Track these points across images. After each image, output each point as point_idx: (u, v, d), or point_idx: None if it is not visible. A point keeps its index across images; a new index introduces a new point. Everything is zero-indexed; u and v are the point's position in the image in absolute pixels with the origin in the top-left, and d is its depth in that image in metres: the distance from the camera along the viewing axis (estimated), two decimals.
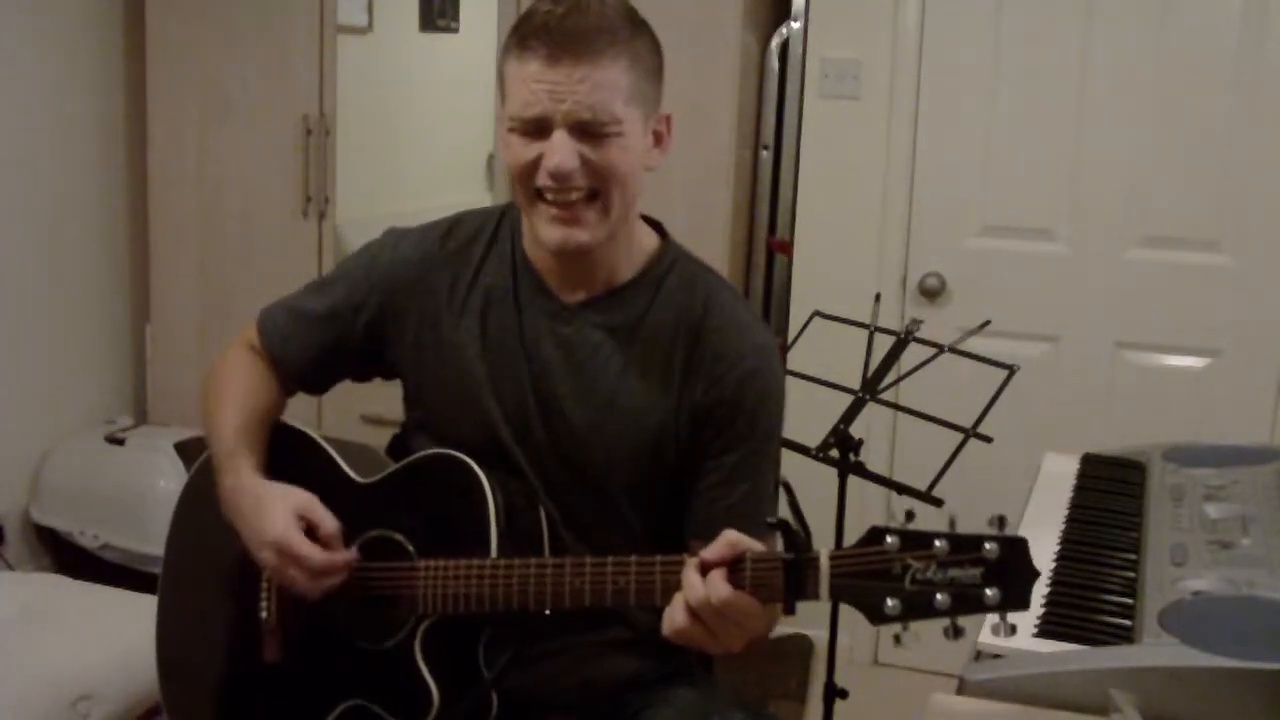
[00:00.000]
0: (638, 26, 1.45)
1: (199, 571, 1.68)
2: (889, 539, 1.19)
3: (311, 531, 1.46)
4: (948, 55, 3.06)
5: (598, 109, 1.39)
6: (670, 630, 1.29)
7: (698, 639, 1.28)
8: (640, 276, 1.54)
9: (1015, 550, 1.16)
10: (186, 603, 1.69)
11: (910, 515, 1.21)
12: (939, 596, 1.16)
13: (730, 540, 1.27)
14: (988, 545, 1.16)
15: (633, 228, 1.53)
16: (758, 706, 1.68)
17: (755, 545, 1.28)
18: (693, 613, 1.27)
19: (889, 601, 1.18)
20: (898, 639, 1.20)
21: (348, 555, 1.47)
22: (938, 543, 1.17)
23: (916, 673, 3.14)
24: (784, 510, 1.34)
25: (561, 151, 1.39)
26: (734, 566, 1.26)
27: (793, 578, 1.24)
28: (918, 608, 1.18)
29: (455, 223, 1.62)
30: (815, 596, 1.23)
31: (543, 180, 1.42)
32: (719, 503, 1.51)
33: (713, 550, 1.27)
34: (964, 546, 1.17)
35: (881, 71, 3.09)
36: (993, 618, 1.19)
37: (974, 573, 1.16)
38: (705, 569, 1.27)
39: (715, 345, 1.51)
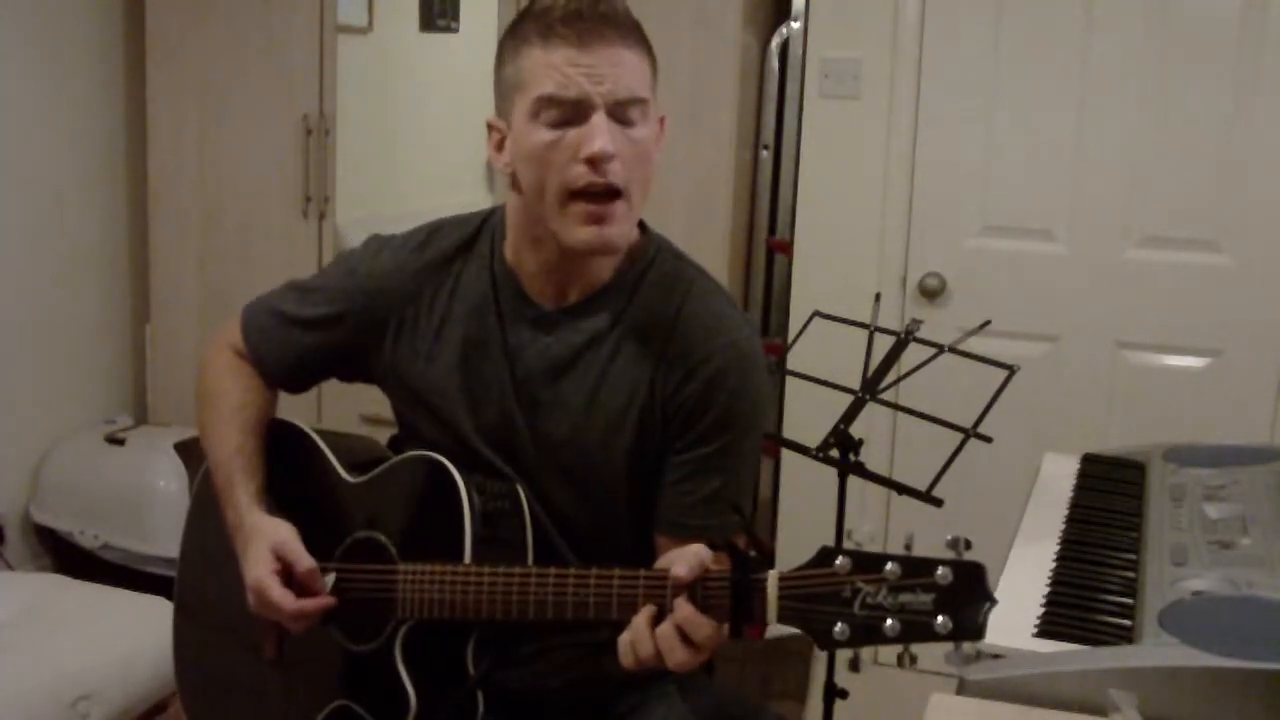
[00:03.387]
0: (641, 29, 1.46)
1: (207, 571, 1.69)
2: (840, 560, 1.15)
3: (288, 571, 1.47)
4: (948, 55, 3.06)
5: (635, 88, 1.39)
6: (629, 650, 1.27)
7: (655, 661, 1.27)
8: (620, 275, 1.52)
9: (970, 576, 1.11)
10: (197, 601, 1.71)
11: (908, 545, 1.17)
12: (889, 622, 1.11)
13: (699, 556, 1.24)
14: (940, 570, 1.11)
15: None
16: (755, 706, 1.67)
17: (695, 560, 1.25)
18: (659, 648, 1.25)
19: (837, 626, 1.14)
20: (854, 664, 1.16)
21: (317, 602, 1.47)
22: (889, 565, 1.12)
23: (917, 673, 3.14)
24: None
25: (603, 135, 1.37)
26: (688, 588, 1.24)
27: (739, 599, 1.20)
28: (867, 634, 1.13)
29: (434, 231, 1.60)
30: (763, 619, 1.19)
31: (579, 177, 1.39)
32: (686, 497, 1.49)
33: (684, 566, 1.24)
34: (916, 570, 1.12)
35: (881, 71, 3.09)
36: (947, 645, 1.14)
37: (925, 599, 1.11)
38: (652, 600, 1.25)
39: (688, 339, 1.49)
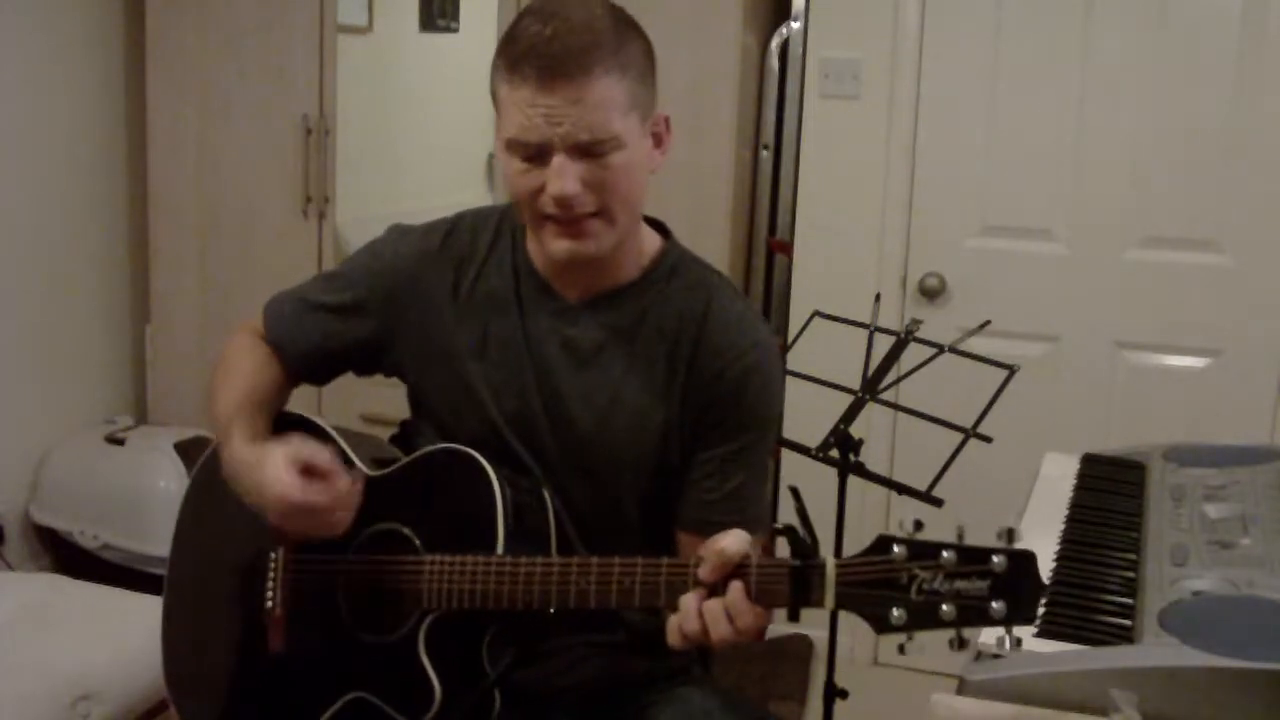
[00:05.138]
0: (625, 31, 1.42)
1: (204, 564, 1.68)
2: (896, 548, 1.19)
3: (311, 471, 1.43)
4: (948, 55, 3.06)
5: (595, 129, 1.38)
6: (677, 631, 1.29)
7: (702, 641, 1.29)
8: (643, 277, 1.54)
9: (1023, 564, 1.16)
10: (192, 596, 1.70)
11: (919, 525, 1.20)
12: (945, 607, 1.16)
13: (725, 558, 1.26)
14: (995, 558, 1.16)
15: (637, 230, 1.54)
16: (758, 707, 1.67)
17: (738, 546, 1.27)
18: (703, 618, 1.27)
19: (895, 611, 1.18)
20: (902, 648, 1.19)
21: (352, 485, 1.44)
22: (945, 553, 1.17)
23: (916, 673, 3.14)
24: (792, 517, 1.34)
25: (564, 177, 1.39)
26: (738, 573, 1.26)
27: (798, 585, 1.23)
28: (923, 618, 1.17)
29: (457, 222, 1.62)
30: (820, 604, 1.23)
31: (547, 206, 1.42)
32: (709, 494, 1.51)
33: (709, 569, 1.27)
34: (972, 558, 1.17)
35: (881, 71, 3.09)
36: (998, 630, 1.19)
37: (981, 585, 1.16)
38: (703, 585, 1.27)
39: (716, 341, 1.52)
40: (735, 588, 1.26)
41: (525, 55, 1.37)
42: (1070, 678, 1.31)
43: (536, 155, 1.40)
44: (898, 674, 3.23)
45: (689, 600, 1.28)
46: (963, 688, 1.33)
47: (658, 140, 1.49)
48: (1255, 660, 1.27)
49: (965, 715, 1.30)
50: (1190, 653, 1.30)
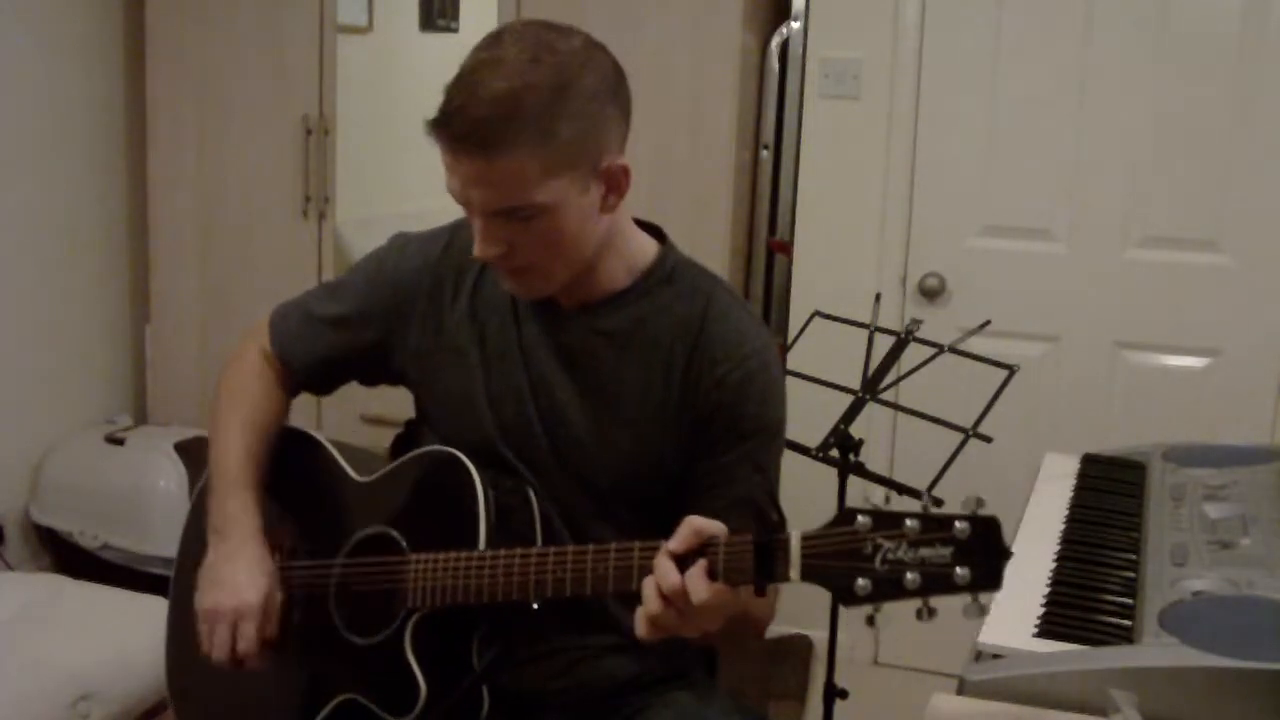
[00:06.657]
0: (556, 88, 1.36)
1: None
2: (860, 519, 1.18)
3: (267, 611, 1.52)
4: (948, 55, 3.06)
5: (506, 200, 1.37)
6: (644, 620, 1.27)
7: (671, 628, 1.27)
8: (637, 283, 1.53)
9: (986, 529, 1.15)
10: (193, 601, 1.70)
11: (889, 499, 1.20)
12: (909, 576, 1.15)
13: (695, 528, 1.26)
14: (958, 524, 1.14)
15: (623, 240, 1.52)
16: (758, 712, 1.67)
17: (720, 528, 1.26)
18: (665, 600, 1.26)
19: (859, 581, 1.17)
20: (871, 620, 1.19)
21: (258, 660, 1.52)
22: (908, 522, 1.16)
23: (916, 673, 3.14)
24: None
25: (481, 240, 1.40)
26: (704, 551, 1.26)
27: (763, 559, 1.23)
28: (888, 588, 1.16)
29: (457, 229, 1.62)
30: (785, 578, 1.22)
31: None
32: (718, 502, 1.49)
33: (678, 540, 1.26)
34: (935, 526, 1.15)
35: (881, 71, 3.09)
36: (964, 599, 1.17)
37: (944, 552, 1.15)
38: (674, 559, 1.26)
39: (715, 348, 1.50)
40: (698, 564, 1.25)
41: (436, 123, 1.37)
42: (1070, 678, 1.31)
43: (467, 209, 1.41)
44: (898, 674, 3.24)
45: (650, 588, 1.27)
46: (963, 688, 1.34)
47: (613, 185, 1.43)
48: (1255, 660, 1.27)
49: (965, 715, 1.30)
50: (1190, 653, 1.30)
